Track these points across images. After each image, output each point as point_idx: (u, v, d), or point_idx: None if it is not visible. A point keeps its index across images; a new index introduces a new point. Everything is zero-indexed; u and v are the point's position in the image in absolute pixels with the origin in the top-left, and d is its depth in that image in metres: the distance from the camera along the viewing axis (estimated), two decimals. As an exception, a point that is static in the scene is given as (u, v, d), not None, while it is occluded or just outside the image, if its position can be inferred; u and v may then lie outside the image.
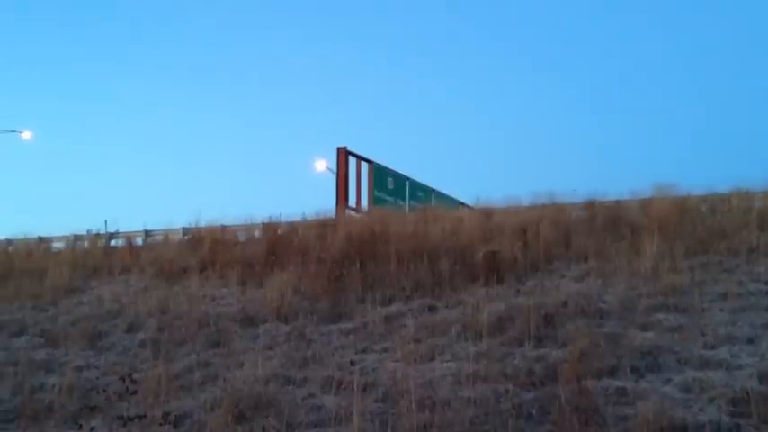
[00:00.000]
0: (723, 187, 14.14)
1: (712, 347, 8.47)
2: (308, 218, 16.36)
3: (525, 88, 71.79)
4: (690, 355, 8.30)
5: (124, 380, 8.03)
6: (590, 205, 14.46)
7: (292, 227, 15.91)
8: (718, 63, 65.54)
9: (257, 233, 16.35)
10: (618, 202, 14.35)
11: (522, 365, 8.56)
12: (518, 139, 69.13)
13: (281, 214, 16.75)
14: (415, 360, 9.00)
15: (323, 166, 33.45)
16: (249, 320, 11.48)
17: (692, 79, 66.92)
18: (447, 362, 9.05)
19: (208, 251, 15.10)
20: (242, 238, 16.44)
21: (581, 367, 8.13)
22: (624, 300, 9.98)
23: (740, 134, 59.99)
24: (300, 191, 41.81)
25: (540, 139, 68.08)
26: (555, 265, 12.05)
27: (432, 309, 10.90)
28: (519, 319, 9.67)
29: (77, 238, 18.88)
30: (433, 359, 9.21)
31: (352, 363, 9.35)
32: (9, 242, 19.71)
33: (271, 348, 10.30)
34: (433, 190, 24.43)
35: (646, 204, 13.61)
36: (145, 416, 7.90)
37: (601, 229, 12.83)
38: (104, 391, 8.95)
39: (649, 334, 8.91)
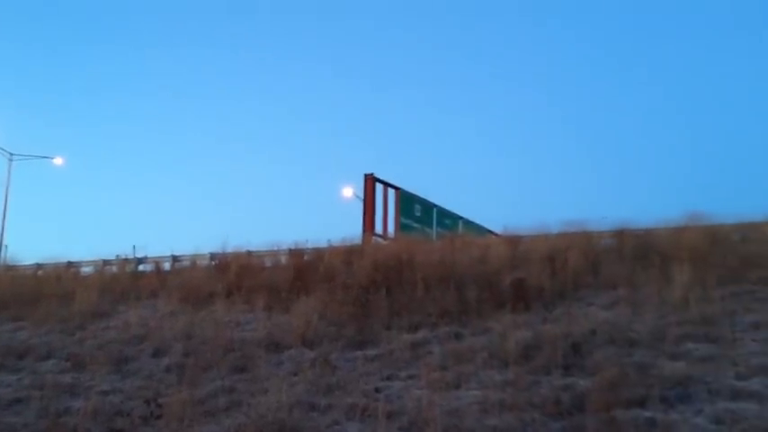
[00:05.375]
0: (756, 216, 13.88)
1: (744, 378, 8.30)
2: (335, 244, 16.35)
3: (551, 116, 71.84)
4: (721, 386, 8.14)
5: (149, 404, 8.04)
6: (619, 233, 14.26)
7: (318, 253, 15.89)
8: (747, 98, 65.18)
9: (283, 259, 16.34)
10: (648, 231, 14.14)
11: (549, 395, 8.44)
12: (547, 167, 69.03)
13: (307, 240, 16.81)
14: (440, 388, 8.91)
15: (350, 192, 33.63)
16: (274, 346, 11.44)
17: (720, 108, 66.55)
18: (473, 390, 8.95)
19: (234, 276, 15.09)
20: (268, 263, 16.41)
21: (610, 397, 8.01)
22: (654, 329, 9.81)
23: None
24: (328, 217, 41.92)
25: (569, 167, 67.90)
26: (583, 293, 11.90)
27: (458, 336, 10.80)
28: (546, 348, 9.56)
29: (106, 262, 18.99)
30: (459, 387, 9.11)
31: (377, 390, 9.28)
32: (39, 266, 19.92)
33: (295, 374, 10.25)
34: (461, 217, 24.27)
35: (677, 233, 13.38)
36: (169, 440, 7.88)
37: (630, 258, 12.65)
38: (129, 414, 8.97)
39: (680, 364, 8.76)
